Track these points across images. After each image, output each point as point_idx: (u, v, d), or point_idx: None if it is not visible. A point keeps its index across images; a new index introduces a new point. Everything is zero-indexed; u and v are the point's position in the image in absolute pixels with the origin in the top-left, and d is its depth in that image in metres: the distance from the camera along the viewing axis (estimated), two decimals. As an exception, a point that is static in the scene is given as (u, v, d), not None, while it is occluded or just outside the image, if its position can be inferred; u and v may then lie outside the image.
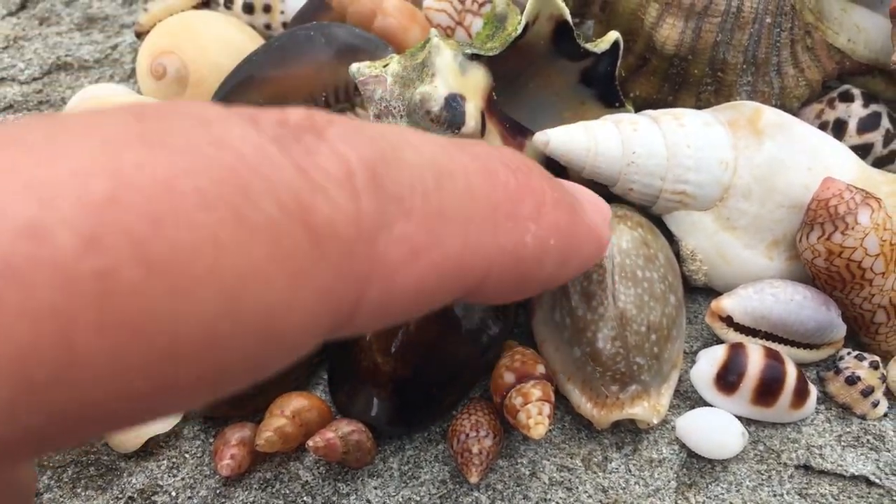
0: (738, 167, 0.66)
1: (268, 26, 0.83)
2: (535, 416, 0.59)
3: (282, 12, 0.83)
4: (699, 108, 0.74)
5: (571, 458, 0.62)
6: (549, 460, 0.61)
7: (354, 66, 0.68)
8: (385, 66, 0.68)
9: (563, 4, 0.66)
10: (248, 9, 0.83)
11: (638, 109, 0.76)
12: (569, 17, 0.66)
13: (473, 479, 0.58)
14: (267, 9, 0.83)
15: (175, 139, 0.24)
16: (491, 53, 0.66)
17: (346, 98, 0.74)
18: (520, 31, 0.65)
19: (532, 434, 0.58)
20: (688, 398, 0.64)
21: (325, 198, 0.27)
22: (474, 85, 0.66)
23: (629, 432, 0.63)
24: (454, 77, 0.65)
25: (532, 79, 0.75)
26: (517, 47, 0.70)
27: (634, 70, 0.75)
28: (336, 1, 0.75)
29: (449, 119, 0.64)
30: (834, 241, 0.61)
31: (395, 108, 0.67)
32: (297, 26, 0.74)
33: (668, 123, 0.67)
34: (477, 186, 0.34)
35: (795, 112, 0.75)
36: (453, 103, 0.64)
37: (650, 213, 0.69)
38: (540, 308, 0.66)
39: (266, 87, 0.73)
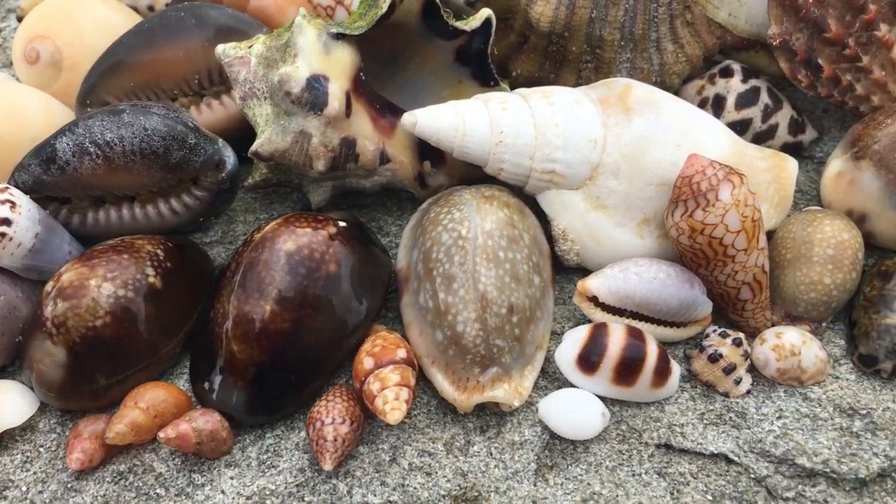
0: (608, 145, 0.65)
1: (151, 8, 0.82)
2: (392, 401, 0.58)
3: (164, -8, 0.81)
4: (580, 85, 0.73)
5: (434, 442, 0.61)
6: (410, 445, 0.61)
7: (220, 48, 0.67)
8: (250, 48, 0.66)
9: (425, -18, 0.64)
10: (130, -10, 0.81)
11: (519, 88, 0.76)
12: (433, -5, 0.65)
13: (327, 467, 0.57)
14: (149, -11, 0.81)
15: None
16: (357, 32, 0.65)
17: (220, 81, 0.73)
18: (385, 9, 0.64)
19: (388, 419, 0.58)
20: (556, 380, 0.64)
21: None
22: (340, 65, 0.65)
23: (494, 416, 0.62)
24: (317, 57, 0.64)
25: (411, 59, 0.74)
26: (392, 26, 0.69)
27: (516, 48, 0.74)
28: (211, -20, 0.73)
29: (311, 100, 0.63)
30: (696, 217, 0.60)
31: (258, 91, 0.66)
32: (169, 7, 0.73)
33: (538, 101, 0.66)
34: None
35: (677, 89, 0.75)
36: (315, 84, 0.63)
37: (525, 193, 0.68)
38: (407, 291, 0.65)
39: (136, 72, 0.71)
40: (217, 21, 0.71)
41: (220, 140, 0.68)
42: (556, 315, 0.68)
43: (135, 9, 0.82)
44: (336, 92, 0.63)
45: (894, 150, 0.65)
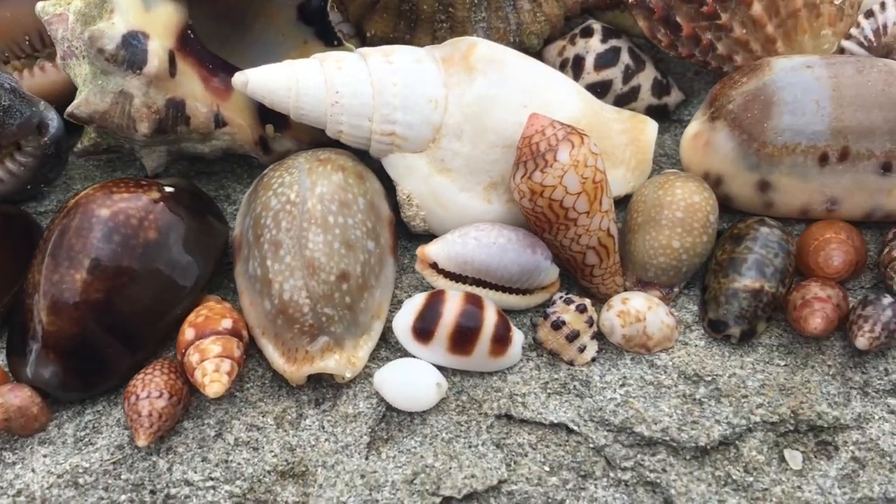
0: (449, 105, 0.62)
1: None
2: (212, 373, 0.55)
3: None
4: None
5: (263, 416, 0.58)
6: (239, 420, 0.58)
7: (39, 5, 0.63)
8: (69, 4, 0.62)
9: (253, -68, 0.61)
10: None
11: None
12: (262, -53, 0.61)
13: (141, 443, 0.54)
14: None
15: None
16: (180, -13, 0.61)
17: (52, 42, 0.69)
18: (208, -38, 0.61)
19: (208, 392, 0.55)
20: (398, 350, 0.61)
21: None
22: (163, 22, 0.61)
23: (331, 388, 0.60)
24: (136, 13, 0.60)
25: (257, 18, 0.70)
26: (231, -17, 0.65)
27: (369, 7, 0.71)
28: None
29: (128, 58, 0.59)
30: (535, 179, 0.58)
31: (76, 49, 0.62)
32: (-6, -36, 0.69)
33: (376, 60, 0.63)
34: None
35: (538, 49, 0.72)
36: (133, 41, 0.59)
37: (372, 157, 0.65)
38: (239, 259, 0.62)
39: (-39, 32, 0.67)
40: (45, -23, 0.67)
41: (43, 102, 0.64)
42: (405, 284, 0.65)
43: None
44: (156, 49, 0.60)
45: (748, 109, 0.63)
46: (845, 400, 0.58)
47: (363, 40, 0.74)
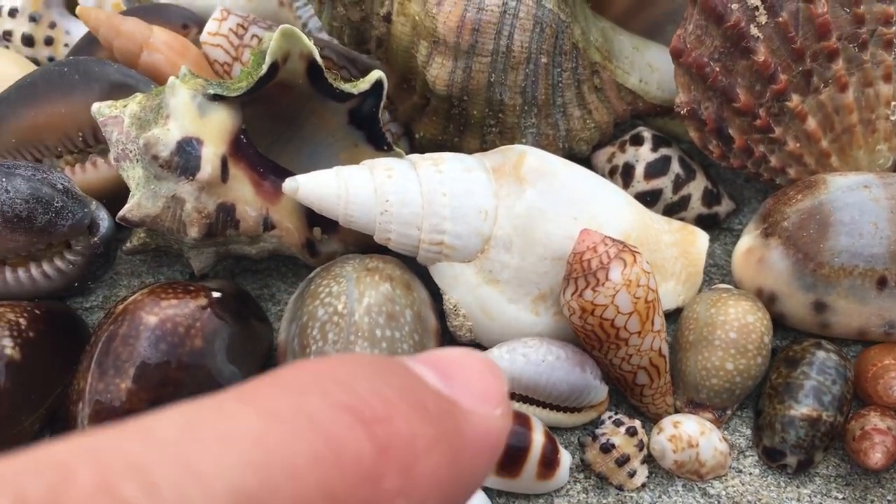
0: (499, 217, 0.62)
1: (51, 59, 0.79)
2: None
3: (66, 45, 0.79)
4: (484, 149, 0.70)
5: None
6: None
7: (95, 106, 0.63)
8: (125, 107, 0.63)
9: (309, 42, 0.61)
10: (28, 41, 0.78)
11: (423, 151, 0.72)
12: (316, 56, 0.62)
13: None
14: (49, 41, 0.78)
15: None
16: (235, 94, 0.61)
17: (105, 138, 0.70)
18: (265, 70, 0.61)
19: None
20: (441, 465, 0.59)
21: None
22: (216, 127, 0.61)
23: None
24: (191, 119, 0.60)
25: (308, 119, 0.71)
26: (285, 85, 0.66)
27: (419, 109, 0.71)
28: (101, 35, 0.70)
29: (182, 165, 0.60)
30: (585, 297, 0.57)
31: (131, 152, 0.62)
32: (53, 62, 0.70)
33: (426, 169, 0.62)
34: (312, 490, 0.22)
35: (586, 155, 0.72)
36: (188, 147, 0.60)
37: (420, 264, 0.65)
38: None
39: (18, 128, 0.68)
40: (102, 76, 0.68)
41: (94, 202, 0.64)
42: (448, 394, 0.63)
43: (35, 61, 0.79)
44: (209, 156, 0.60)
45: (804, 228, 0.62)
46: (907, 538, 0.56)
47: (411, 140, 0.74)
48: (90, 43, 0.74)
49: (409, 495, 0.25)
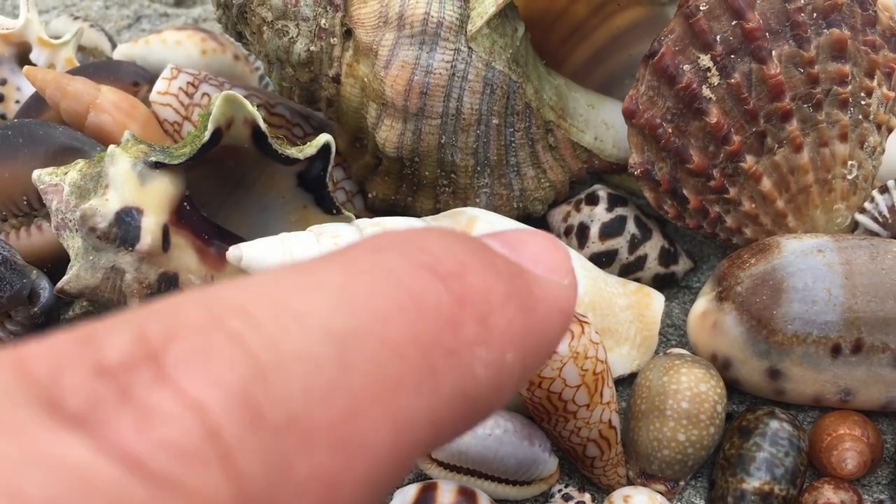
0: (447, 284, 0.61)
1: (2, 116, 0.78)
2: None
3: (17, 102, 0.78)
4: (438, 210, 0.69)
5: None
6: None
7: (35, 174, 0.62)
8: (66, 174, 0.62)
9: (252, 108, 0.60)
10: (-22, 98, 0.77)
11: (377, 211, 0.72)
12: (260, 122, 0.61)
13: None
14: (0, 98, 0.77)
15: None
16: (177, 161, 0.60)
17: (51, 201, 0.68)
18: (206, 137, 0.60)
19: None
20: (388, 542, 0.58)
21: (181, 497, 0.19)
22: (157, 196, 0.60)
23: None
24: (131, 189, 0.59)
25: (257, 180, 0.69)
26: (232, 149, 0.65)
27: (372, 169, 0.70)
28: (48, 96, 0.69)
29: (121, 236, 0.59)
30: (532, 370, 0.55)
31: (70, 222, 0.61)
32: (-2, 124, 0.69)
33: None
34: (399, 334, 0.24)
35: (541, 215, 0.71)
36: (127, 218, 0.59)
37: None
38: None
39: (-40, 191, 0.67)
40: (46, 139, 0.67)
41: (35, 271, 0.63)
42: (397, 465, 0.62)
43: (-15, 117, 0.78)
44: (150, 226, 0.59)
45: (756, 294, 0.61)
46: None
47: (365, 199, 0.73)
48: (38, 102, 0.73)
49: (488, 344, 0.27)
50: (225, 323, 0.21)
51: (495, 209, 0.68)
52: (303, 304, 0.23)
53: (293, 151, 0.63)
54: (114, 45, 0.84)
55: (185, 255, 0.61)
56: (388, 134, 0.65)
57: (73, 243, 0.61)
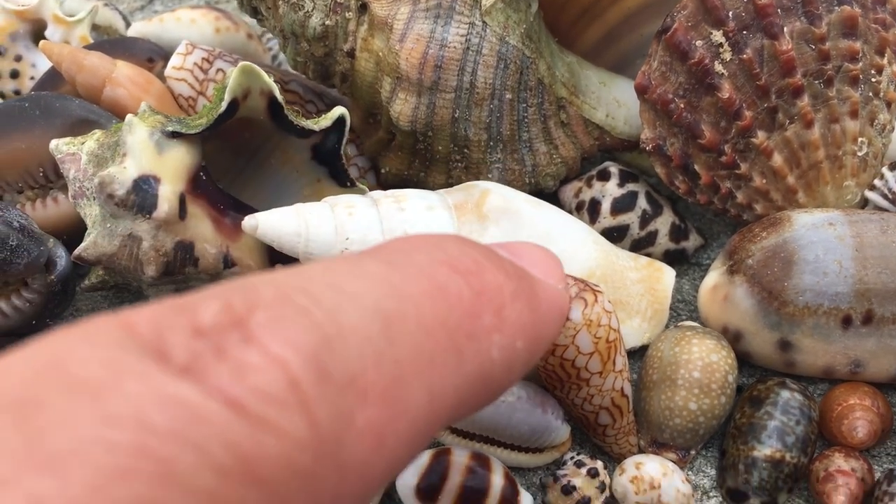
0: (461, 254, 0.61)
1: (17, 92, 0.78)
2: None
3: (32, 78, 0.78)
4: (450, 185, 0.69)
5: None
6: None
7: (53, 143, 0.63)
8: (83, 144, 0.62)
9: (269, 79, 0.61)
10: (-7, 74, 0.78)
11: (389, 186, 0.72)
12: (277, 93, 0.61)
13: None
14: (15, 74, 0.78)
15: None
16: (194, 131, 0.61)
17: (67, 174, 0.69)
18: (223, 108, 0.61)
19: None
20: (402, 509, 0.59)
21: (272, 433, 0.23)
22: (174, 165, 0.61)
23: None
24: (148, 157, 0.60)
25: (272, 153, 0.70)
26: (247, 121, 0.65)
27: (385, 144, 0.71)
28: (64, 70, 0.70)
29: (138, 203, 0.59)
30: (546, 338, 0.56)
31: (87, 190, 0.61)
32: (14, 98, 0.69)
33: (388, 207, 0.62)
34: (430, 317, 0.29)
35: (552, 190, 0.71)
36: (144, 186, 0.59)
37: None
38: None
39: (-24, 162, 0.67)
40: (63, 112, 0.67)
41: (52, 239, 0.63)
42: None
43: (1, 94, 0.78)
44: (167, 194, 0.59)
45: (768, 266, 0.61)
46: (872, 583, 0.55)
47: (377, 174, 0.74)
48: (54, 77, 0.73)
49: (502, 331, 0.32)
50: (293, 299, 0.25)
51: (507, 184, 0.68)
52: (353, 287, 0.27)
53: (309, 123, 0.64)
54: (128, 24, 0.84)
55: (201, 225, 0.62)
56: (403, 107, 0.65)
57: (91, 211, 0.61)
